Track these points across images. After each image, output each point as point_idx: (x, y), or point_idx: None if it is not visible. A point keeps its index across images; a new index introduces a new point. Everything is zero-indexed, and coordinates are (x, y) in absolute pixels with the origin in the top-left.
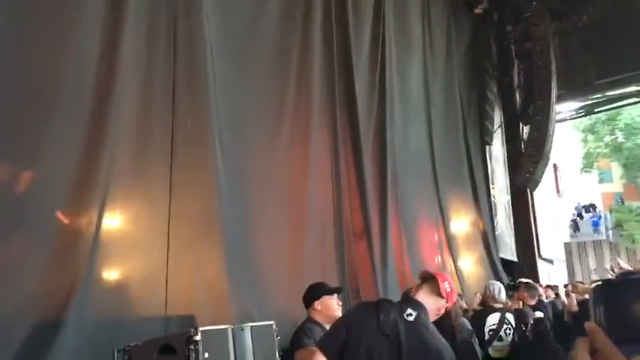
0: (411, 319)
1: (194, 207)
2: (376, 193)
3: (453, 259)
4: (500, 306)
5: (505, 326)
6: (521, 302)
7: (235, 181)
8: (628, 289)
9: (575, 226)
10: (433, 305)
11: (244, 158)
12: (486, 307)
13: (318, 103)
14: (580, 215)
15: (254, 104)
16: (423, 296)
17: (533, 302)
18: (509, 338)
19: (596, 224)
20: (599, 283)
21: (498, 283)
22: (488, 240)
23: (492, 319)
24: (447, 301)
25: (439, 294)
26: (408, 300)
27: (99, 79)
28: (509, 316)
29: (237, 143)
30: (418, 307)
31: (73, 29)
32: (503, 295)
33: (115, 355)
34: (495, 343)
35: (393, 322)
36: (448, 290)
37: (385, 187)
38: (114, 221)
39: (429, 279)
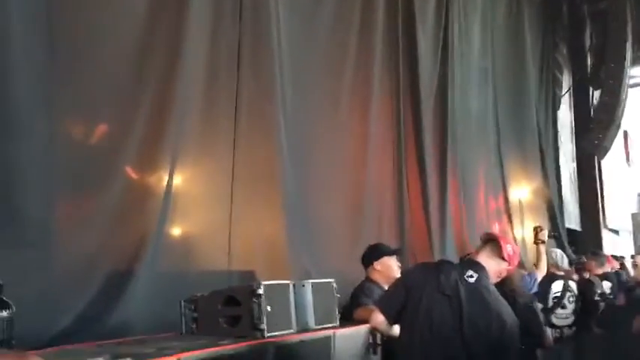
0: (472, 280)
1: (257, 168)
2: (436, 156)
3: (512, 226)
4: (563, 273)
5: (568, 294)
6: (588, 272)
7: (297, 143)
8: None
9: None
10: (494, 267)
11: (306, 120)
12: (549, 274)
13: (380, 65)
14: None
15: (316, 66)
16: (485, 258)
17: (600, 272)
18: (572, 306)
19: None
20: None
21: (560, 250)
22: (553, 209)
23: (556, 287)
24: (509, 264)
25: (501, 256)
26: (469, 261)
27: (168, 37)
28: (572, 284)
29: (299, 106)
30: (479, 268)
31: None
32: (566, 263)
33: (182, 305)
34: (559, 310)
35: (453, 282)
36: (510, 253)
37: (445, 150)
38: (182, 179)
39: (491, 241)
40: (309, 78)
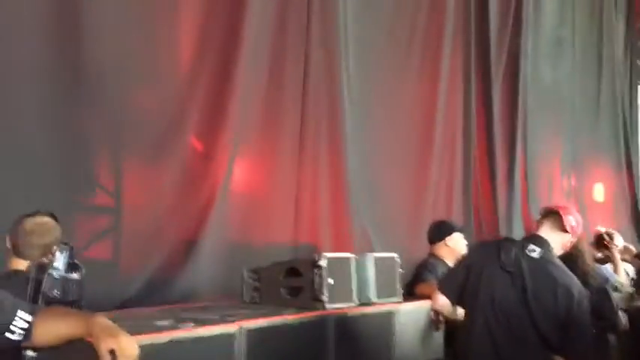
0: (534, 254)
1: (322, 141)
2: (505, 129)
3: (580, 208)
4: (621, 256)
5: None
6: None
7: (362, 117)
8: None
9: None
10: (558, 240)
11: (372, 90)
12: (604, 257)
13: (451, 34)
14: None
15: (383, 33)
16: (547, 231)
17: None
18: (629, 290)
19: None
20: None
21: (611, 229)
22: (632, 190)
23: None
24: (573, 235)
25: (563, 229)
26: (531, 236)
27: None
28: (628, 267)
29: (365, 78)
30: (542, 242)
31: None
32: (620, 240)
33: (245, 274)
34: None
35: (515, 258)
36: (573, 224)
37: (515, 124)
38: (248, 150)
39: (552, 214)
40: (375, 42)
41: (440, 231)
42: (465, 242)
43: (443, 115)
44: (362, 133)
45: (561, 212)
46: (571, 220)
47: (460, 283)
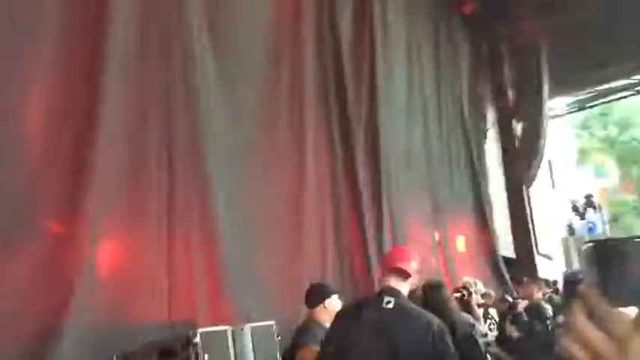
0: (390, 305)
1: (193, 216)
2: (370, 194)
3: (446, 259)
4: (482, 301)
5: (489, 321)
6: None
7: (232, 188)
8: (619, 249)
9: (571, 231)
10: (406, 286)
11: (242, 165)
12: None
13: (313, 105)
14: (576, 209)
15: (249, 113)
16: (396, 281)
17: (539, 294)
18: (494, 334)
19: (591, 230)
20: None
21: (472, 277)
22: (489, 239)
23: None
24: (417, 275)
25: (406, 277)
26: (383, 290)
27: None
28: (492, 311)
29: (233, 151)
30: (394, 293)
31: None
32: (480, 287)
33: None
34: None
35: (375, 314)
36: (415, 268)
37: (379, 187)
38: (112, 229)
39: (393, 269)
40: (241, 127)
41: (318, 294)
42: (341, 303)
43: (312, 184)
44: (233, 204)
45: (401, 265)
46: (413, 265)
47: (332, 351)
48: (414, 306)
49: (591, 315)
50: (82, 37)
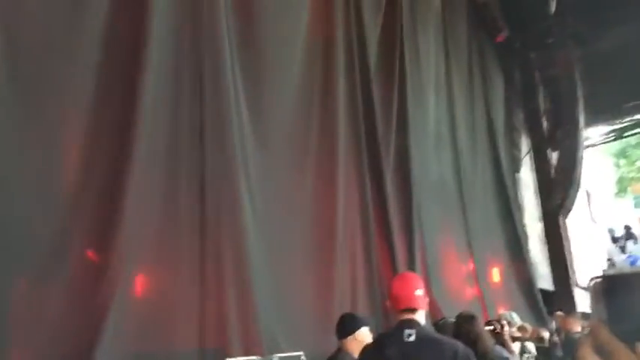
0: (412, 338)
1: (225, 245)
2: (401, 224)
3: (480, 289)
4: (519, 334)
5: (526, 354)
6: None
7: (264, 218)
8: (629, 283)
9: (612, 264)
10: (423, 314)
11: (272, 195)
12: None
13: (343, 133)
14: (615, 240)
15: (280, 141)
16: (409, 315)
17: (579, 328)
18: None
19: (633, 263)
20: (599, 279)
21: (509, 311)
22: (525, 269)
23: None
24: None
25: (422, 307)
26: (402, 323)
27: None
28: (530, 345)
29: (264, 180)
30: (414, 324)
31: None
32: (517, 320)
33: None
34: None
35: (397, 350)
36: (423, 297)
37: (410, 218)
38: (146, 257)
39: (408, 308)
40: (272, 148)
41: (348, 325)
42: (372, 335)
43: (342, 213)
44: (264, 233)
45: (414, 301)
46: (420, 293)
47: None
48: (437, 335)
49: (599, 349)
50: (119, 68)
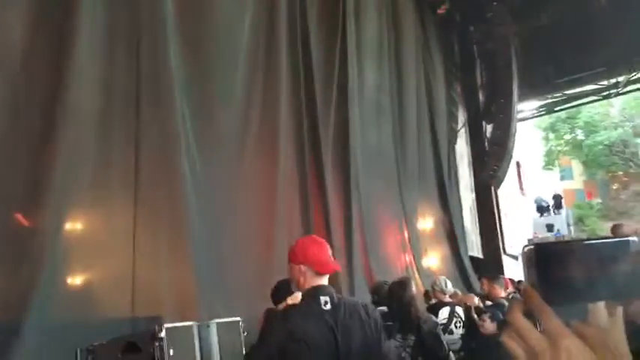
0: (328, 307)
1: (160, 209)
2: (339, 193)
3: (414, 257)
4: (450, 300)
5: (455, 319)
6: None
7: (203, 183)
8: (559, 251)
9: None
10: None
11: (212, 163)
12: (436, 301)
13: (284, 107)
14: (540, 210)
15: (220, 113)
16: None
17: (504, 294)
18: (460, 331)
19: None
20: (532, 246)
21: (443, 277)
22: (455, 238)
23: (442, 314)
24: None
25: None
26: (317, 290)
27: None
28: (459, 309)
29: (204, 150)
30: (328, 291)
31: None
32: (450, 287)
33: (78, 354)
34: (446, 336)
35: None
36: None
37: (348, 186)
38: (77, 223)
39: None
40: (213, 122)
41: (283, 291)
42: None
43: (282, 180)
44: (203, 200)
45: (336, 268)
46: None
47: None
48: (348, 298)
49: (530, 313)
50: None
